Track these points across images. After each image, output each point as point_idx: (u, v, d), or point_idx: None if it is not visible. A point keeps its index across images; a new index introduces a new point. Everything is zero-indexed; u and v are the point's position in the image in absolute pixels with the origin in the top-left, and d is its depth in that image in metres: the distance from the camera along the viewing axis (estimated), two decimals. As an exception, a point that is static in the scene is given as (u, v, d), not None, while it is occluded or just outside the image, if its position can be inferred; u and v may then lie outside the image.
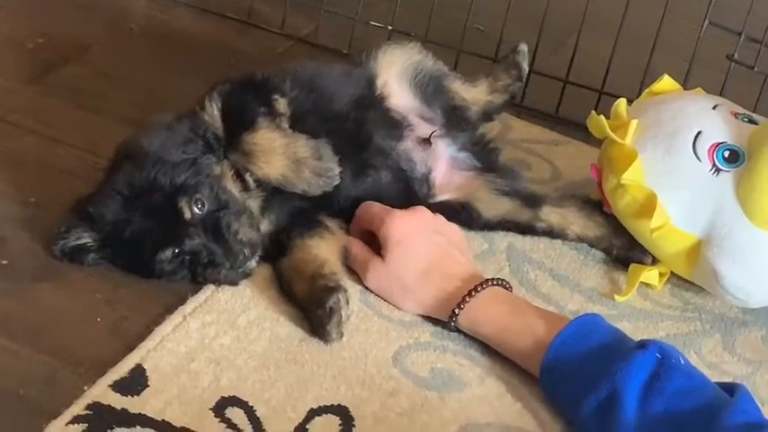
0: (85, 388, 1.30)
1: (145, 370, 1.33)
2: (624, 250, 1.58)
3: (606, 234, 1.59)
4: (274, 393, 1.33)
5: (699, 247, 1.50)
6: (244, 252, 1.42)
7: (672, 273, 1.56)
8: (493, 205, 1.59)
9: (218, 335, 1.40)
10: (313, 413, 1.32)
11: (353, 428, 1.31)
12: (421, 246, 1.46)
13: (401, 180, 1.57)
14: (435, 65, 1.69)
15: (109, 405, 1.28)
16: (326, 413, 1.32)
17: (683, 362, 1.29)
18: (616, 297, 1.53)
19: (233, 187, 1.46)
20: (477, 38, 1.96)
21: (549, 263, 1.58)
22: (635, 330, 1.48)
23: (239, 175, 1.48)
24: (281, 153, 1.47)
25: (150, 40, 1.95)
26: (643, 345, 1.29)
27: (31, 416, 1.27)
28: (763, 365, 1.47)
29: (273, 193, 1.49)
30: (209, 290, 1.45)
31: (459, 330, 1.43)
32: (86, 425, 1.26)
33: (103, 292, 1.44)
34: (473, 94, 1.71)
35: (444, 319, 1.43)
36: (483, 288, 1.42)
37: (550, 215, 1.60)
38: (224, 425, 1.29)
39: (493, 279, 1.44)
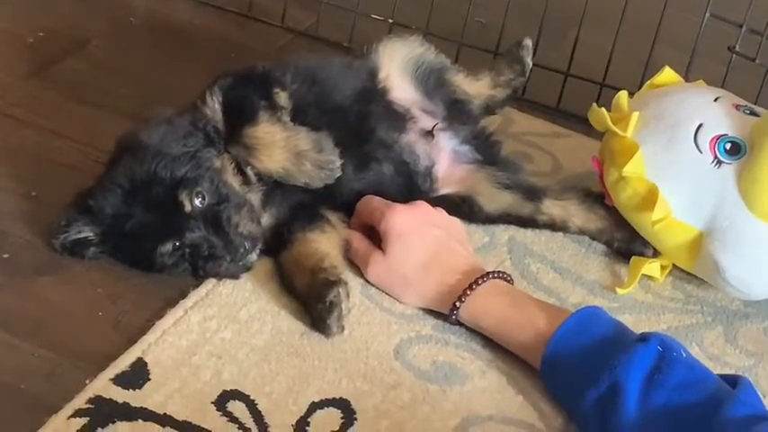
0: (87, 382, 1.30)
1: (146, 364, 1.33)
2: (625, 243, 1.58)
3: (607, 227, 1.59)
4: (276, 387, 1.33)
5: (700, 239, 1.50)
6: (244, 245, 1.42)
7: (673, 265, 1.56)
8: (494, 199, 1.59)
9: (219, 328, 1.40)
10: (315, 406, 1.32)
11: (355, 422, 1.31)
12: (421, 239, 1.46)
13: (403, 173, 1.57)
14: (437, 58, 1.68)
15: (110, 399, 1.28)
16: (328, 406, 1.32)
17: (684, 355, 1.29)
18: (618, 290, 1.53)
19: (234, 181, 1.46)
20: (479, 31, 1.96)
21: (551, 255, 1.58)
22: (637, 323, 1.48)
23: (240, 169, 1.47)
24: (281, 146, 1.46)
25: (150, 34, 1.95)
26: (644, 338, 1.29)
27: (32, 410, 1.27)
28: (764, 357, 1.47)
29: (274, 187, 1.49)
30: (210, 284, 1.45)
31: (460, 323, 1.43)
32: (88, 419, 1.26)
33: (105, 286, 1.44)
34: (475, 87, 1.71)
35: (445, 313, 1.43)
36: (484, 281, 1.42)
37: (552, 208, 1.60)
38: (225, 418, 1.29)
39: (494, 272, 1.44)
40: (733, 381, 1.27)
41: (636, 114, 1.53)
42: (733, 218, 1.47)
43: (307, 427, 1.29)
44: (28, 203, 1.54)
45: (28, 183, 1.57)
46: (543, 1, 1.86)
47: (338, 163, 1.47)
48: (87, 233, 1.43)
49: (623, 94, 1.59)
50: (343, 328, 1.40)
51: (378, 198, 1.52)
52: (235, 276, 1.45)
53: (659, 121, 1.53)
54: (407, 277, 1.46)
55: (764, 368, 1.45)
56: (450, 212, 1.54)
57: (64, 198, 1.47)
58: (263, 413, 1.30)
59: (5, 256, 1.46)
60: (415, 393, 1.35)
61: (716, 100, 1.55)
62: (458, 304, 1.41)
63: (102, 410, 1.27)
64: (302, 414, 1.30)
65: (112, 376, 1.31)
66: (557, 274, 1.55)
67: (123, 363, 1.33)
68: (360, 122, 1.56)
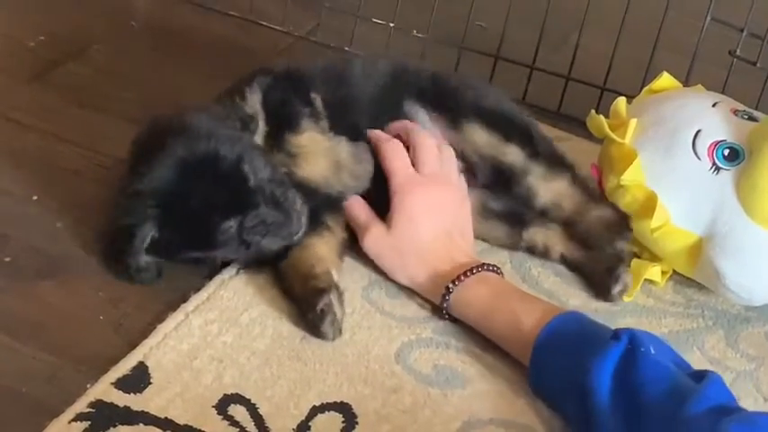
0: (88, 386, 1.30)
1: (147, 368, 1.33)
2: (601, 275, 1.53)
3: (587, 258, 1.55)
4: (277, 391, 1.33)
5: (700, 245, 1.50)
6: (301, 220, 1.42)
7: (674, 270, 1.56)
8: (476, 226, 1.55)
9: (220, 332, 1.40)
10: (315, 410, 1.32)
11: (356, 425, 1.31)
12: (430, 226, 1.47)
13: None
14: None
15: (111, 403, 1.28)
16: (329, 410, 1.32)
17: (653, 351, 1.28)
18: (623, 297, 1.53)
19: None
20: (480, 35, 1.96)
21: (552, 259, 1.58)
22: (637, 327, 1.46)
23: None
24: (324, 156, 1.47)
25: (152, 38, 1.95)
26: (617, 335, 1.29)
27: (33, 414, 1.27)
28: (766, 361, 1.47)
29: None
30: (211, 287, 1.45)
31: (452, 318, 1.44)
32: (89, 422, 1.26)
33: (106, 289, 1.44)
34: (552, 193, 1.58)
35: (435, 302, 1.44)
36: (473, 273, 1.43)
37: (535, 235, 1.57)
38: (227, 422, 1.29)
39: (486, 264, 1.45)
40: (702, 376, 1.26)
41: (634, 121, 1.53)
42: (732, 224, 1.47)
43: (308, 431, 1.29)
44: (29, 207, 1.54)
45: (29, 187, 1.57)
46: (544, 5, 1.87)
47: (371, 173, 1.48)
48: (150, 230, 1.40)
49: (621, 101, 1.59)
50: (340, 332, 1.40)
51: (401, 149, 1.50)
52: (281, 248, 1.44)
53: (657, 127, 1.53)
54: (404, 258, 1.47)
55: (766, 372, 1.45)
56: None
57: (66, 202, 1.47)
58: (264, 417, 1.30)
59: (7, 259, 1.47)
60: (416, 397, 1.35)
61: (714, 105, 1.55)
62: (447, 297, 1.42)
63: (104, 414, 1.27)
64: (303, 418, 1.31)
65: (114, 380, 1.31)
66: (557, 278, 1.55)
67: (124, 366, 1.33)
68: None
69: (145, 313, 1.41)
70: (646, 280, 1.54)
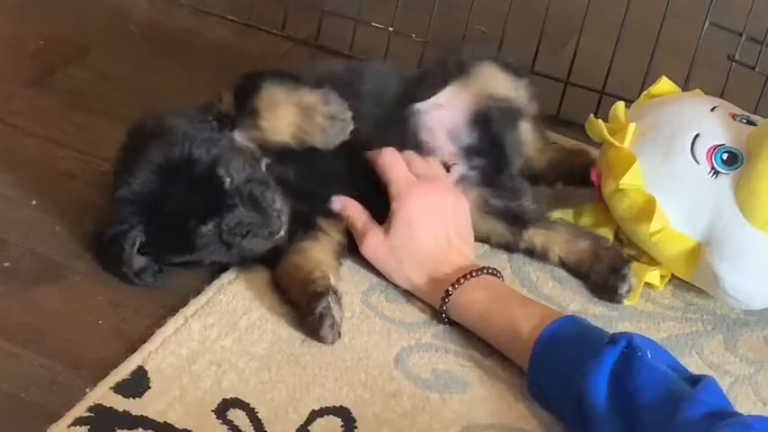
0: (87, 390, 1.30)
1: (146, 372, 1.33)
2: (602, 277, 1.53)
3: (586, 260, 1.54)
4: (276, 395, 1.33)
5: (698, 249, 1.50)
6: (281, 220, 1.42)
7: (673, 274, 1.56)
8: (476, 225, 1.55)
9: (219, 337, 1.40)
10: (315, 415, 1.32)
11: (355, 430, 1.31)
12: (429, 231, 1.47)
13: None
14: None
15: (111, 407, 1.29)
16: (328, 414, 1.32)
17: (649, 355, 1.27)
18: (624, 301, 1.52)
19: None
20: (479, 39, 1.96)
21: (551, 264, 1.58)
22: (636, 331, 1.46)
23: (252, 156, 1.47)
24: (285, 102, 1.46)
25: (151, 42, 1.95)
26: (614, 339, 1.29)
27: (32, 419, 1.27)
28: (765, 365, 1.47)
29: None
30: (210, 291, 1.45)
31: (451, 322, 1.44)
32: (88, 427, 1.26)
33: (105, 294, 1.44)
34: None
35: (435, 305, 1.44)
36: (473, 276, 1.43)
37: (534, 237, 1.56)
38: (226, 426, 1.29)
39: (486, 267, 1.45)
40: (698, 380, 1.26)
41: (632, 125, 1.53)
42: (731, 228, 1.47)
43: (307, 436, 1.30)
44: (28, 212, 1.54)
45: (28, 191, 1.57)
46: (543, 9, 1.87)
47: (349, 113, 1.46)
48: (137, 235, 1.41)
49: (620, 105, 1.59)
50: (339, 335, 1.40)
51: (399, 158, 1.50)
52: (261, 252, 1.44)
53: (656, 131, 1.53)
54: (403, 262, 1.47)
55: (765, 376, 1.45)
56: None
57: (64, 206, 1.47)
58: (263, 421, 1.30)
59: (6, 264, 1.47)
60: (415, 402, 1.35)
61: (713, 109, 1.55)
62: (446, 300, 1.42)
63: (103, 419, 1.27)
64: (302, 422, 1.31)
65: (113, 384, 1.31)
66: (556, 283, 1.55)
67: (124, 371, 1.33)
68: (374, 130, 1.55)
69: (144, 317, 1.41)
70: (645, 284, 1.54)
